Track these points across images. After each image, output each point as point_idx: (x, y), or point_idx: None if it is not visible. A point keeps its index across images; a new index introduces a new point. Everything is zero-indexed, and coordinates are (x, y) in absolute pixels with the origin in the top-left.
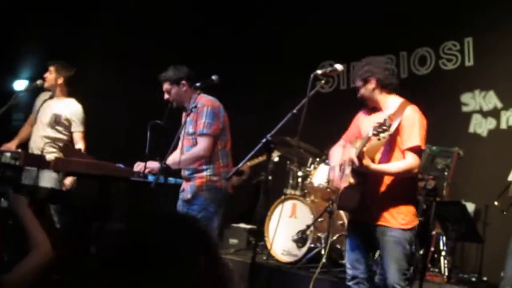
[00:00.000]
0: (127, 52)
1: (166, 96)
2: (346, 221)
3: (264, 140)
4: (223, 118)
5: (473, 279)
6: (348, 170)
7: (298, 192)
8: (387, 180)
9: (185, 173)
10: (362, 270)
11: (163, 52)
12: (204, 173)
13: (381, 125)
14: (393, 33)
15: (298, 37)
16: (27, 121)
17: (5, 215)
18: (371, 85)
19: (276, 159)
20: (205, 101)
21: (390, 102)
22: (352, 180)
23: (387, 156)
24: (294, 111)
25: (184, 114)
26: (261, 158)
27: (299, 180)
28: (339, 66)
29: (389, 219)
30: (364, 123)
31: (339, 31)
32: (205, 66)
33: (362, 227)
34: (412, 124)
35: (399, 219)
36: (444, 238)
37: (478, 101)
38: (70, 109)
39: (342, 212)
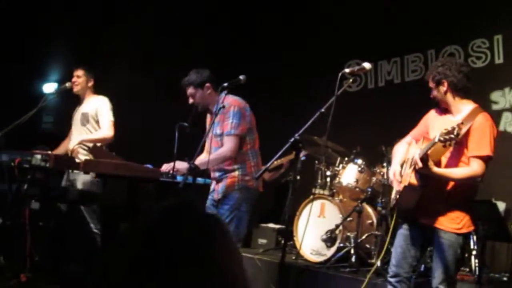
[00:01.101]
0: (154, 52)
1: (190, 100)
2: (375, 220)
3: (292, 140)
4: (250, 117)
5: (505, 278)
6: (409, 170)
7: (326, 192)
8: (449, 184)
9: (215, 175)
10: (407, 270)
11: (191, 52)
12: (236, 173)
13: (449, 132)
14: (421, 31)
15: (325, 36)
16: (68, 135)
17: (36, 216)
18: (443, 87)
19: (302, 158)
20: (231, 102)
21: (462, 106)
22: (413, 181)
23: (454, 161)
24: (322, 110)
25: (209, 116)
26: (288, 157)
27: (328, 179)
28: (367, 65)
29: (445, 222)
30: (434, 123)
31: (366, 30)
32: (233, 66)
33: (416, 227)
34: (483, 132)
35: (455, 223)
36: (475, 237)
37: (508, 99)
38: (95, 104)
39: (371, 211)
